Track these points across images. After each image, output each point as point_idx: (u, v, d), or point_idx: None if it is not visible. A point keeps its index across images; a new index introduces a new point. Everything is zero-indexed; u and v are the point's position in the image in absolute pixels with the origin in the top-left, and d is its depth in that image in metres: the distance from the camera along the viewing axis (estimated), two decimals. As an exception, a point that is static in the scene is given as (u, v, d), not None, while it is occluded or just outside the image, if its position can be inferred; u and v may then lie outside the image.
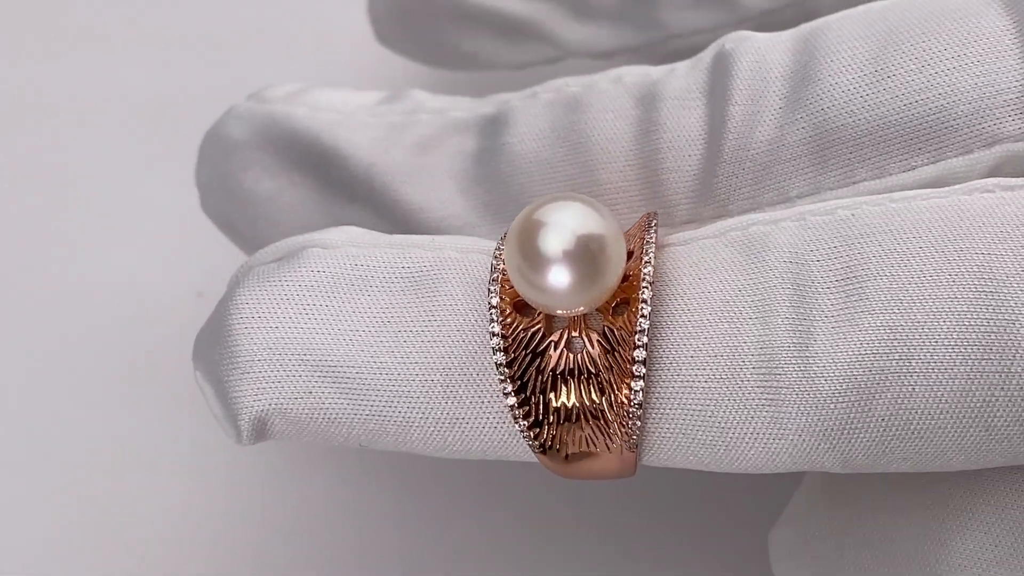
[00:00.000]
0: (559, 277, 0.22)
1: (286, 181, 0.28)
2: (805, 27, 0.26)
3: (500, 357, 0.23)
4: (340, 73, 0.38)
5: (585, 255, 0.22)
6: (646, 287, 0.22)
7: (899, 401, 0.22)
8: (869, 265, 0.23)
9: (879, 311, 0.22)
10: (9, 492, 0.33)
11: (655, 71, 0.27)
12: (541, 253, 0.22)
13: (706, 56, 0.26)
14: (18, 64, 0.40)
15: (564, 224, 0.22)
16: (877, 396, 0.22)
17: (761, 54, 0.26)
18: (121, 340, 0.35)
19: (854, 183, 0.25)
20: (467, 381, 0.23)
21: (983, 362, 0.22)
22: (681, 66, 0.27)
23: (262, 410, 0.24)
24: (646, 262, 0.23)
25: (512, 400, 0.23)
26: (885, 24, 0.25)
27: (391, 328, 0.24)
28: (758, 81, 0.25)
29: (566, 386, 0.23)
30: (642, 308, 0.22)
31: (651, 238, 0.23)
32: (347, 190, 0.28)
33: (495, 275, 0.23)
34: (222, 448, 0.33)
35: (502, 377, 0.23)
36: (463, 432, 0.24)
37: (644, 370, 0.22)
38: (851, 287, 0.23)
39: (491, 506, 0.33)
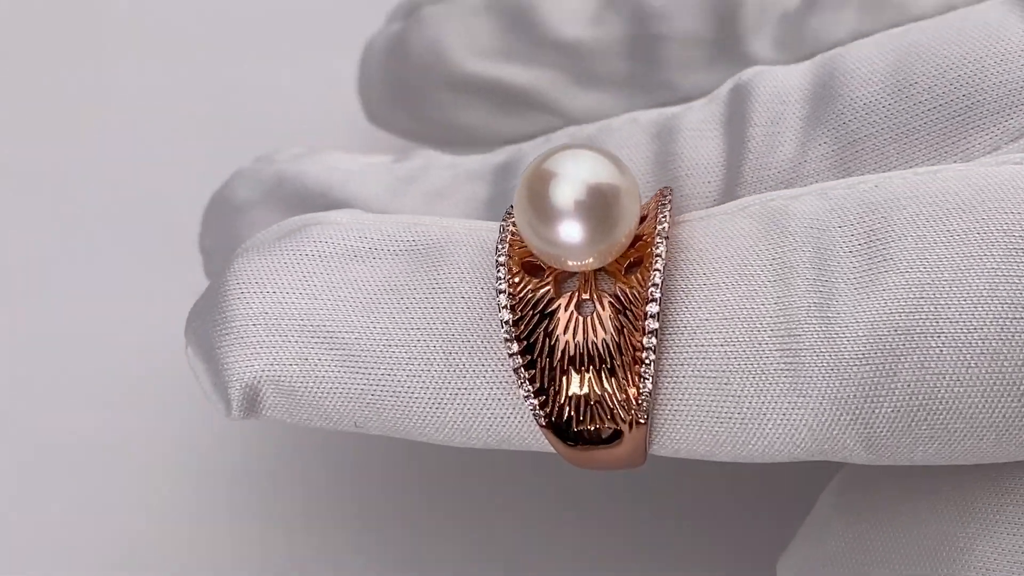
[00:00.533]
0: (570, 230, 0.21)
1: None
2: (823, 54, 0.26)
3: (506, 315, 0.22)
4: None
5: (598, 206, 0.21)
6: (660, 242, 0.22)
7: (925, 364, 0.21)
8: (893, 228, 0.22)
9: (904, 270, 0.21)
10: (8, 492, 0.33)
11: (670, 109, 0.26)
12: (552, 204, 0.21)
13: (723, 89, 0.26)
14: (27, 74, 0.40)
15: (576, 174, 0.21)
16: (902, 359, 0.21)
17: (779, 80, 0.25)
18: (122, 340, 0.35)
19: None
20: (470, 349, 0.22)
21: (1015, 321, 0.21)
22: (697, 102, 0.26)
23: (254, 377, 0.23)
24: (661, 219, 0.22)
25: (518, 361, 0.22)
26: (904, 40, 0.25)
27: (394, 296, 0.23)
28: (777, 103, 0.25)
29: (575, 352, 0.22)
30: (656, 262, 0.22)
31: (666, 201, 0.23)
32: None
33: (504, 235, 0.23)
34: (223, 449, 0.32)
35: (508, 336, 0.22)
36: (463, 406, 0.22)
37: (656, 324, 0.21)
38: (874, 249, 0.22)
39: (493, 516, 0.32)
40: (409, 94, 0.32)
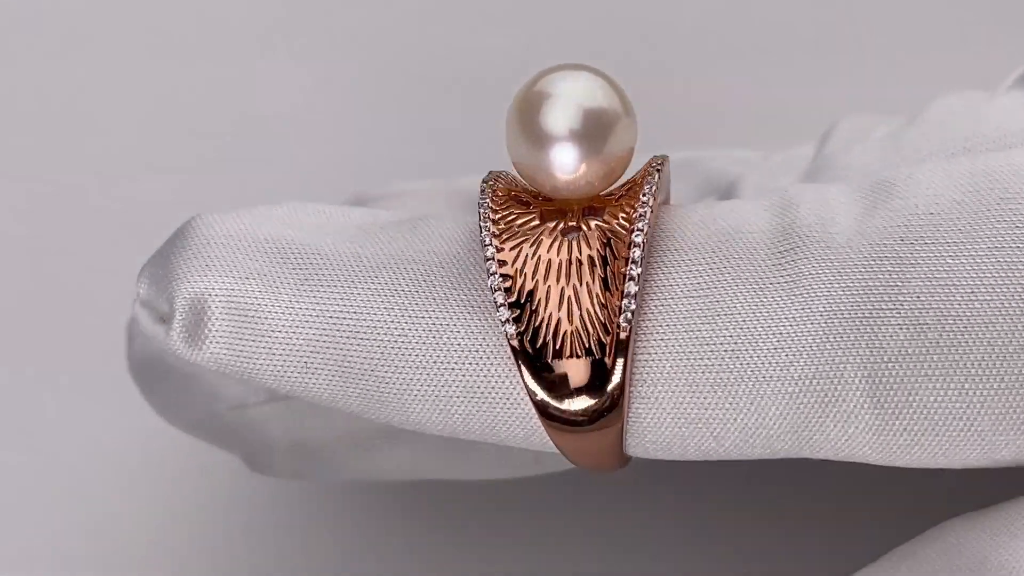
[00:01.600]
0: (563, 154, 0.20)
1: None
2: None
3: (488, 212, 0.20)
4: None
5: (593, 131, 0.20)
6: (654, 171, 0.21)
7: (935, 272, 0.20)
8: (900, 171, 0.21)
9: (910, 195, 0.20)
10: (7, 491, 0.32)
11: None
12: (544, 130, 0.20)
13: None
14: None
15: (570, 97, 0.20)
16: (911, 266, 0.20)
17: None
18: (118, 339, 0.33)
19: None
20: (445, 277, 0.21)
21: None
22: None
23: (204, 289, 0.21)
24: (656, 159, 0.21)
25: (494, 266, 0.20)
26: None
27: (371, 233, 0.21)
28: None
29: (557, 267, 0.20)
30: (646, 187, 0.20)
31: (659, 160, 0.21)
32: None
33: (489, 177, 0.21)
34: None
35: (487, 241, 0.20)
36: (431, 336, 0.20)
37: (642, 237, 0.20)
38: (879, 186, 0.21)
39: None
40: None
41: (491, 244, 0.20)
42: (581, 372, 0.20)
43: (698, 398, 0.20)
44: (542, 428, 0.20)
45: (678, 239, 0.21)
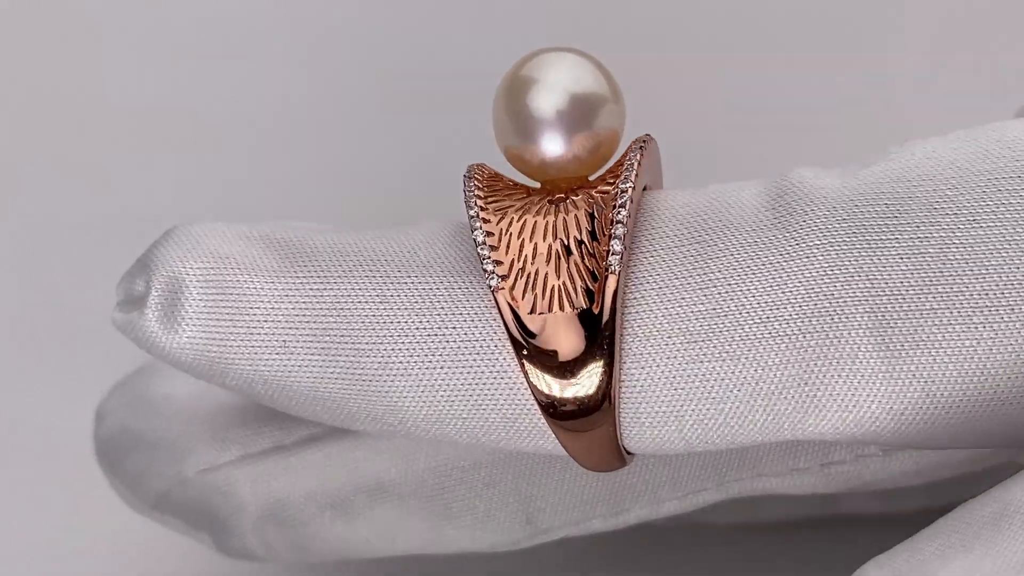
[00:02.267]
0: (551, 142, 0.20)
1: None
2: None
3: (473, 186, 0.20)
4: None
5: (581, 112, 0.20)
6: (638, 146, 0.20)
7: (936, 202, 0.19)
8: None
9: (906, 153, 0.20)
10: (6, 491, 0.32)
11: None
12: (531, 115, 0.20)
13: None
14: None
15: (557, 81, 0.20)
16: (910, 199, 0.19)
17: None
18: (120, 340, 0.33)
19: None
20: (431, 256, 0.20)
21: None
22: None
23: (182, 270, 0.20)
24: (640, 138, 0.21)
25: (476, 212, 0.20)
26: None
27: (350, 229, 0.21)
28: None
29: (544, 228, 0.20)
30: (631, 157, 0.20)
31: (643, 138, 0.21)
32: None
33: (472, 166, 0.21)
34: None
35: (471, 196, 0.20)
36: (418, 312, 0.20)
37: (632, 180, 0.20)
38: (874, 155, 0.21)
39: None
40: None
41: (475, 206, 0.20)
42: (571, 329, 0.19)
43: (693, 351, 0.20)
44: (530, 403, 0.20)
45: (667, 204, 0.20)
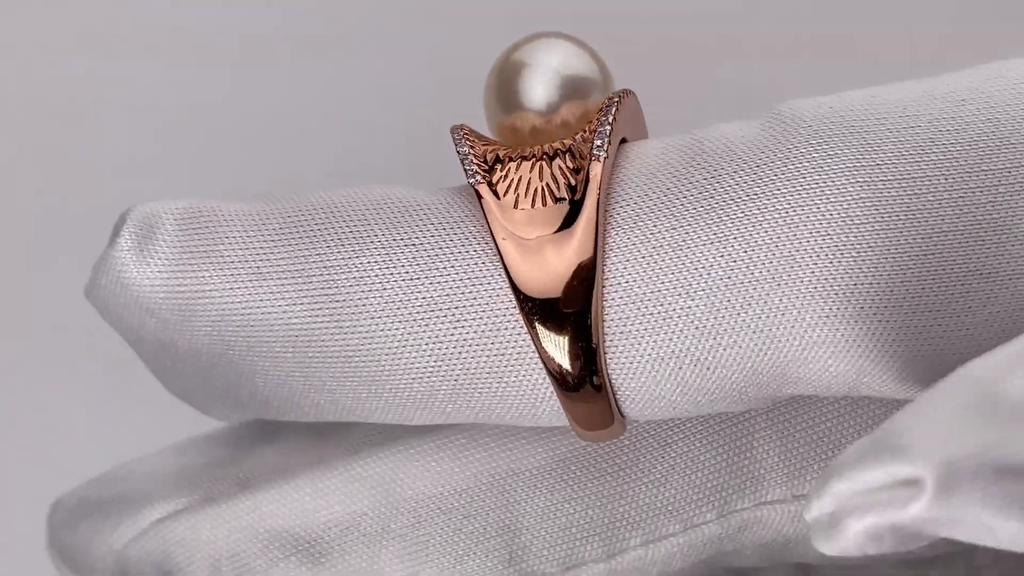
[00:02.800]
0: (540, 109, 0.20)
1: None
2: None
3: (463, 136, 0.20)
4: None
5: (571, 91, 0.20)
6: (615, 100, 0.20)
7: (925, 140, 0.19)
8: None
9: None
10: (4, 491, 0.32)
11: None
12: (523, 102, 0.20)
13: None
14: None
15: (549, 65, 0.20)
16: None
17: None
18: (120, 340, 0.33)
19: None
20: (424, 203, 0.20)
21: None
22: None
23: (159, 208, 0.20)
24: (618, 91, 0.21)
25: (465, 146, 0.20)
26: None
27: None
28: None
29: (528, 156, 0.20)
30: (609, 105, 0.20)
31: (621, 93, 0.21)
32: None
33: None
34: None
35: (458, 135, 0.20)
36: (386, 249, 0.20)
37: (614, 110, 0.20)
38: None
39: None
40: None
41: (464, 142, 0.20)
42: (551, 219, 0.19)
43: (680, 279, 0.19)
44: (517, 329, 0.19)
45: (644, 155, 0.20)
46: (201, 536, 0.22)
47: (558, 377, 0.19)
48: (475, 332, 0.20)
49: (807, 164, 0.19)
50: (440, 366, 0.20)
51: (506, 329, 0.20)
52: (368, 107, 0.37)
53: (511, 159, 0.20)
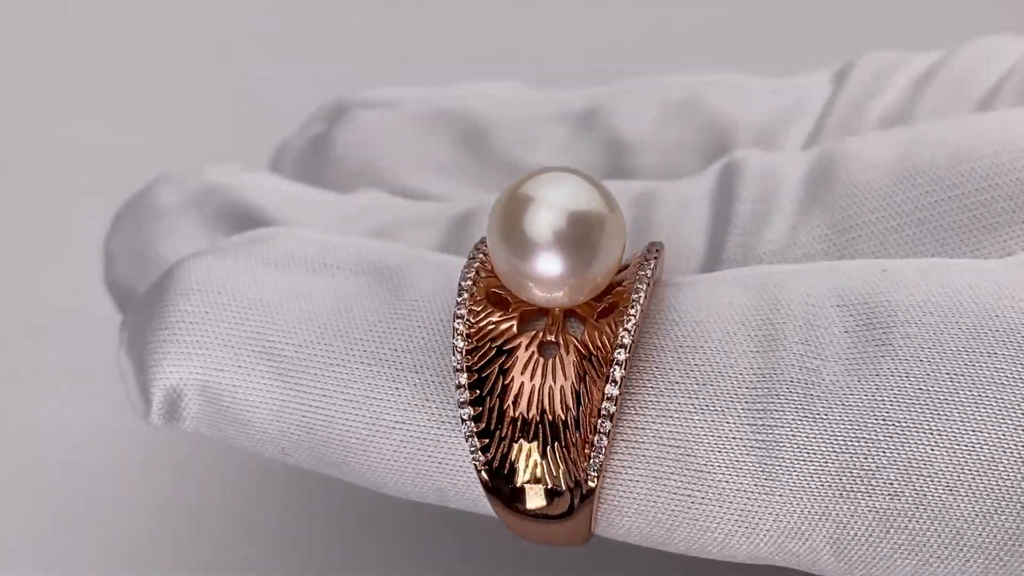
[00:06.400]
0: (545, 260, 0.19)
1: None
2: (822, 145, 0.23)
3: (459, 342, 0.20)
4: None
5: (577, 235, 0.19)
6: (641, 288, 0.20)
7: (914, 464, 0.19)
8: (897, 315, 0.20)
9: (903, 358, 0.19)
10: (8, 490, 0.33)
11: (655, 183, 0.24)
12: (527, 231, 0.19)
13: (713, 167, 0.24)
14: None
15: (556, 200, 0.20)
16: (888, 454, 0.19)
17: (773, 160, 0.23)
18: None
19: None
20: (418, 381, 0.20)
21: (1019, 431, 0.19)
22: (684, 179, 0.24)
23: (181, 379, 0.21)
24: (645, 266, 0.20)
25: (464, 395, 0.20)
26: (913, 133, 0.23)
27: (346, 316, 0.21)
28: (769, 181, 0.23)
29: (528, 394, 0.20)
30: (631, 309, 0.20)
31: (655, 254, 0.21)
32: None
33: (473, 259, 0.21)
34: (218, 449, 0.31)
35: (457, 366, 0.20)
36: (401, 443, 0.20)
37: (616, 391, 0.19)
38: (873, 333, 0.20)
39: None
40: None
41: (461, 351, 0.20)
42: (547, 497, 0.20)
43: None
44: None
45: (659, 365, 0.20)
46: None
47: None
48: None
49: None
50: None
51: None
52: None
53: (510, 363, 0.20)
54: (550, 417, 0.19)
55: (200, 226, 0.25)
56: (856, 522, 0.19)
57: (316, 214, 0.24)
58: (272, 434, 0.21)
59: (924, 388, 0.19)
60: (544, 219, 0.19)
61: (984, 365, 0.19)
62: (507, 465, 0.20)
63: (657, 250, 0.21)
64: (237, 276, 0.21)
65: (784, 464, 0.19)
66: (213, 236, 0.24)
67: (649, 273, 0.20)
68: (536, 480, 0.20)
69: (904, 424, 0.19)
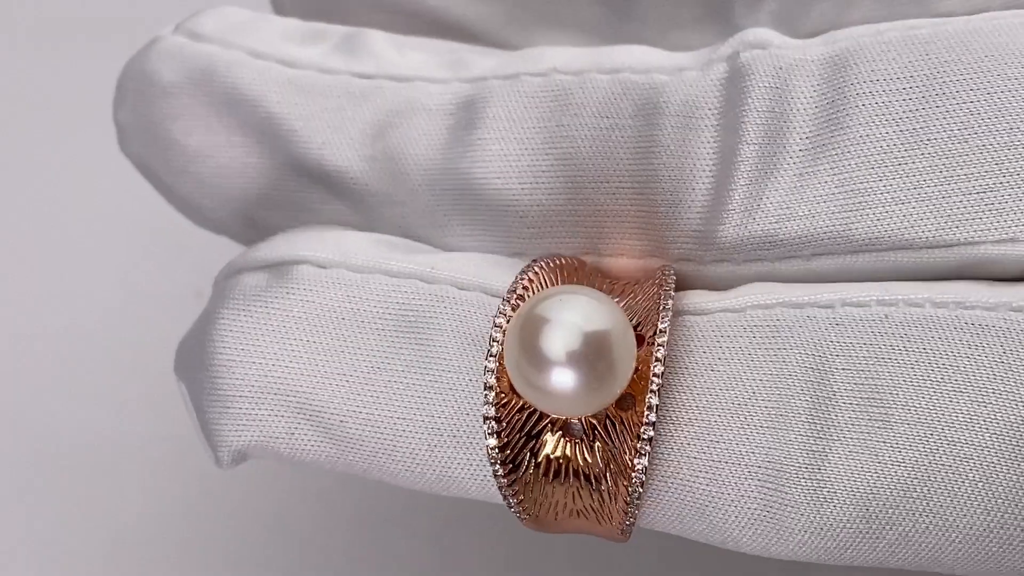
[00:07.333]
0: (563, 379, 0.21)
1: (224, 140, 0.25)
2: (837, 46, 0.23)
3: (492, 442, 0.22)
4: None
5: (592, 357, 0.21)
6: (652, 394, 0.21)
7: (910, 536, 0.21)
8: (898, 389, 0.21)
9: (901, 446, 0.21)
10: (7, 490, 0.33)
11: (659, 65, 0.23)
12: (543, 354, 0.21)
13: (719, 67, 0.23)
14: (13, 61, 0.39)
15: (570, 321, 0.21)
16: (888, 528, 0.21)
17: (783, 79, 0.22)
18: (119, 340, 0.35)
19: (883, 264, 0.22)
20: (454, 442, 0.22)
21: (1006, 515, 0.21)
22: (690, 69, 0.23)
23: (243, 445, 0.23)
24: (656, 360, 0.21)
25: (503, 482, 0.22)
26: (928, 67, 0.22)
27: (381, 376, 0.23)
28: (778, 117, 0.22)
29: (561, 475, 0.22)
30: (647, 415, 0.21)
31: (663, 326, 0.21)
32: (297, 165, 0.25)
33: (493, 348, 0.22)
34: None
35: (494, 461, 0.22)
36: (445, 486, 0.23)
37: (644, 463, 0.21)
38: (875, 410, 0.21)
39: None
40: (332, 9, 0.28)
41: (495, 448, 0.22)
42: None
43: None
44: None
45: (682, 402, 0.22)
46: None
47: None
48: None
49: None
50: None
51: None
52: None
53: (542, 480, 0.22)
54: (581, 496, 0.22)
55: (206, 107, 0.25)
56: (861, 561, 0.22)
57: (319, 103, 0.25)
58: (332, 472, 0.23)
59: (920, 476, 0.21)
60: (559, 338, 0.21)
61: (975, 456, 0.21)
62: (548, 516, 0.22)
63: (666, 309, 0.22)
64: (271, 339, 0.23)
65: (794, 531, 0.22)
66: (220, 118, 0.25)
67: (660, 369, 0.21)
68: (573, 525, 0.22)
69: (901, 506, 0.21)
